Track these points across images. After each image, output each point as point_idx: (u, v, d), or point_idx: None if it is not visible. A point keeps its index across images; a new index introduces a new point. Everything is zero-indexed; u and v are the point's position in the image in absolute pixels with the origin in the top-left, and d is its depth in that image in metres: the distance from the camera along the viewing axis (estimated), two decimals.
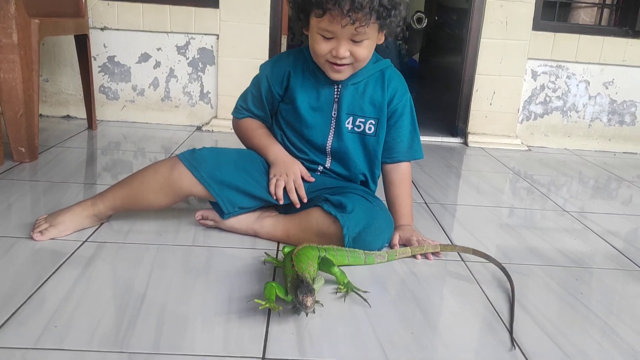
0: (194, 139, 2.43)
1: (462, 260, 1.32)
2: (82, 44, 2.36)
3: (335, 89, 1.34)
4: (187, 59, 2.62)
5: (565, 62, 2.69)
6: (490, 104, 2.69)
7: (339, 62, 1.25)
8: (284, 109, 1.40)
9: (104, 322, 0.95)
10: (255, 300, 0.99)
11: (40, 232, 1.26)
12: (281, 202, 1.34)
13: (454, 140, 2.75)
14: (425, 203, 1.75)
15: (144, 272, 1.15)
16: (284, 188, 1.34)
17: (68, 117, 2.67)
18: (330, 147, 1.38)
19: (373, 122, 1.37)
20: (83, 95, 2.47)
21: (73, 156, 2.02)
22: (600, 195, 2.02)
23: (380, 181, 1.47)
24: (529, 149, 2.71)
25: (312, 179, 1.38)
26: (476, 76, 2.66)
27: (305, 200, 1.34)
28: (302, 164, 1.40)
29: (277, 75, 1.37)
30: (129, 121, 2.67)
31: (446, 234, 1.50)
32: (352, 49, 1.23)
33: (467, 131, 2.72)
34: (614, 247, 1.48)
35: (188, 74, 2.63)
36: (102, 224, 1.37)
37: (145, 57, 2.60)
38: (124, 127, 2.57)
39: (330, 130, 1.37)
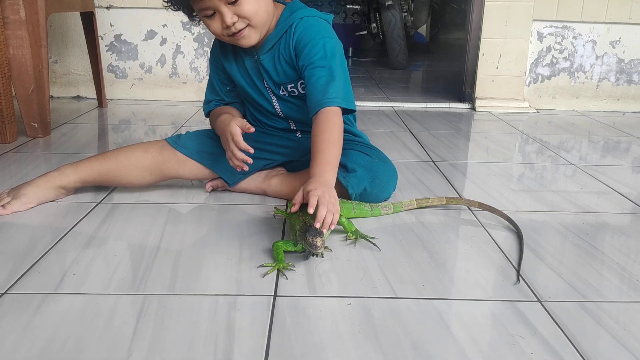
0: (201, 115, 2.45)
1: (470, 209, 1.34)
2: (89, 23, 2.39)
3: (255, 60, 1.31)
4: (193, 34, 2.63)
5: (570, 22, 2.67)
6: (497, 68, 2.68)
7: (234, 30, 1.19)
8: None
9: (120, 270, 0.98)
10: (265, 264, 1.01)
11: (3, 205, 1.24)
12: (246, 169, 1.24)
13: (462, 106, 2.75)
14: (433, 161, 1.76)
15: (158, 227, 1.18)
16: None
17: (78, 97, 2.70)
18: (281, 113, 1.38)
19: (302, 82, 1.30)
20: (92, 74, 2.50)
21: (85, 132, 2.06)
22: (611, 153, 2.02)
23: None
24: (537, 112, 2.71)
25: (252, 129, 1.20)
26: (482, 40, 2.64)
27: (250, 151, 1.19)
28: (278, 132, 1.41)
29: (216, 61, 1.39)
30: (138, 99, 2.70)
31: (454, 188, 1.51)
32: (235, 10, 1.16)
33: (475, 96, 2.71)
34: (621, 195, 1.49)
35: (194, 50, 2.65)
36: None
37: (151, 34, 2.62)
38: (133, 105, 2.60)
39: (272, 98, 1.36)
